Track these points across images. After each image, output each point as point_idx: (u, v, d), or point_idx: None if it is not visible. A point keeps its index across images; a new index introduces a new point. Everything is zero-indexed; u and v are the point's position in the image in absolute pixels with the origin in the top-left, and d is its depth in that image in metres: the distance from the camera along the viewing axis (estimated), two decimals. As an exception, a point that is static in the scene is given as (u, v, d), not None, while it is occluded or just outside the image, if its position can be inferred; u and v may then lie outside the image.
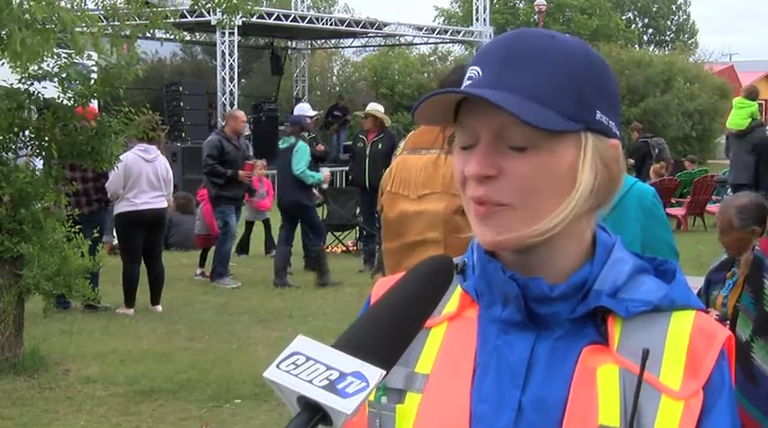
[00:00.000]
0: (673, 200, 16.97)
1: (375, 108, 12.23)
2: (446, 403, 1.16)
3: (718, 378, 1.12)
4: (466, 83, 1.15)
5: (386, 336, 0.99)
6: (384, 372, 0.93)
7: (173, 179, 9.91)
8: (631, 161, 17.48)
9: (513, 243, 1.14)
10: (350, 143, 14.73)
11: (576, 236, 1.17)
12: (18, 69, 6.82)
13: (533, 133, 1.10)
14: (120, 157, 8.24)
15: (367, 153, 11.79)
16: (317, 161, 12.23)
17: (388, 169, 3.31)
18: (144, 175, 9.25)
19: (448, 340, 1.20)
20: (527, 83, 1.11)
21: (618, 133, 1.18)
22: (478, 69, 1.14)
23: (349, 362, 0.93)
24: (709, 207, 16.90)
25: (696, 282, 4.71)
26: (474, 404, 1.15)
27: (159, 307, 9.54)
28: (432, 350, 1.19)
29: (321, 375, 0.91)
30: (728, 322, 4.19)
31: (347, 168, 16.37)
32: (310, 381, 0.91)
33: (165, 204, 9.59)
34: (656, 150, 17.96)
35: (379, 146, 11.56)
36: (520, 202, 1.12)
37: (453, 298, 1.22)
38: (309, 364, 0.93)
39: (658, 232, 2.79)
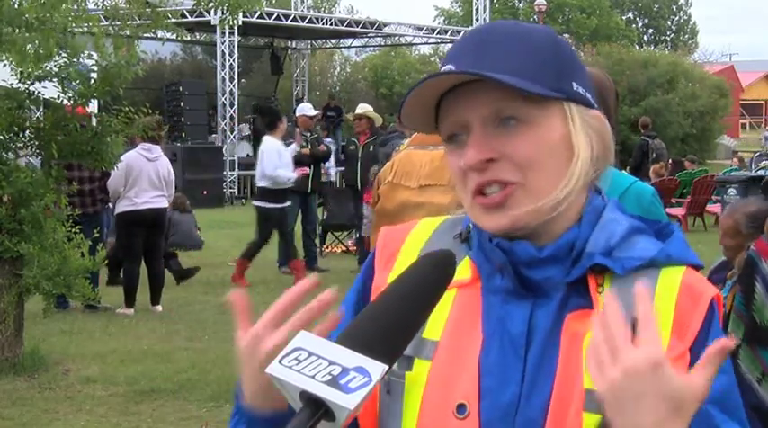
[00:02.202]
0: (673, 200, 16.96)
1: (366, 109, 12.18)
2: (455, 374, 1.15)
3: (705, 338, 1.11)
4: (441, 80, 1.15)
5: (388, 331, 0.98)
6: (387, 367, 0.93)
7: (174, 179, 9.92)
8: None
9: (525, 223, 1.13)
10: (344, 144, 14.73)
11: (573, 208, 1.17)
12: (21, 70, 6.81)
13: (520, 108, 1.12)
14: (123, 156, 8.25)
15: (359, 155, 11.78)
16: (318, 161, 12.23)
17: (389, 162, 3.32)
18: (145, 174, 9.24)
19: (457, 308, 1.19)
20: (505, 62, 1.12)
21: (596, 105, 1.19)
22: (450, 65, 1.15)
23: (351, 357, 0.92)
24: (709, 207, 16.90)
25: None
26: (482, 376, 1.14)
27: (159, 307, 9.54)
28: (441, 316, 1.18)
29: (324, 370, 0.91)
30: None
31: (344, 169, 16.38)
32: (313, 377, 0.91)
33: (165, 204, 9.59)
34: (654, 154, 17.94)
35: (371, 148, 11.51)
36: (525, 178, 1.12)
37: (463, 266, 1.20)
38: (312, 360, 0.92)
39: None
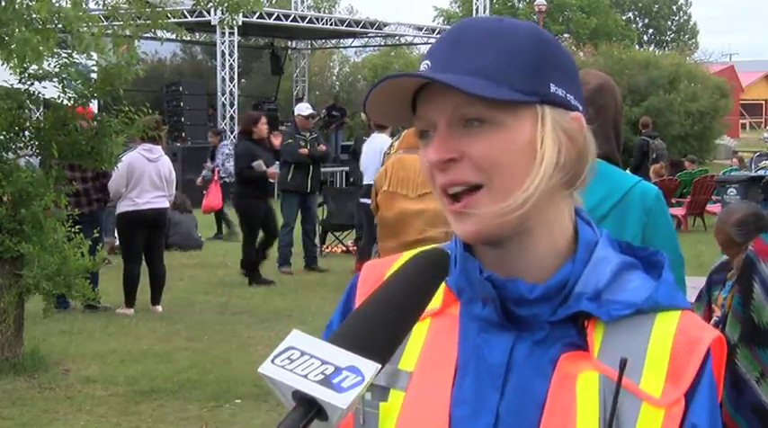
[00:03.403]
0: (673, 200, 16.97)
1: None
2: (427, 403, 1.14)
3: (700, 385, 1.10)
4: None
5: (381, 330, 0.97)
6: (379, 366, 0.92)
7: (175, 180, 9.94)
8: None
9: (492, 229, 1.11)
10: (349, 143, 14.64)
11: (550, 223, 1.15)
12: (18, 69, 6.82)
13: (486, 110, 1.09)
14: (124, 156, 8.27)
15: None
16: (317, 161, 12.21)
17: (382, 169, 3.30)
18: (146, 175, 9.27)
19: (431, 337, 1.18)
20: (475, 62, 1.10)
21: (579, 106, 1.16)
22: (428, 62, 1.14)
23: (344, 357, 0.92)
24: (710, 207, 16.91)
25: (696, 282, 4.70)
26: (453, 405, 1.13)
27: (159, 308, 9.55)
28: (415, 346, 1.17)
29: (316, 370, 0.90)
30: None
31: (347, 168, 16.35)
32: (305, 376, 0.90)
33: (166, 204, 9.61)
34: (654, 154, 17.97)
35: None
36: (488, 180, 1.10)
37: (437, 293, 1.17)
38: (304, 359, 0.92)
39: (661, 233, 2.76)
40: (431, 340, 1.18)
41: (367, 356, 0.92)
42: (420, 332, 1.18)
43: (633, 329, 1.12)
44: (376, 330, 0.97)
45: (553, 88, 1.12)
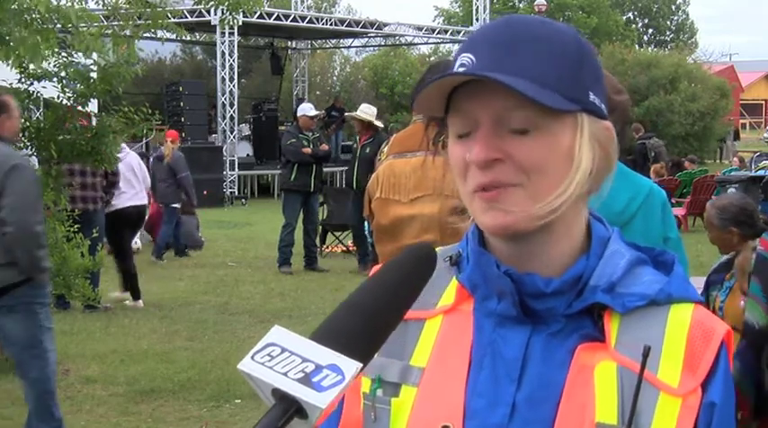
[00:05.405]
0: (673, 200, 16.97)
1: (364, 110, 12.11)
2: (441, 397, 1.15)
3: (716, 374, 1.11)
4: (458, 70, 1.12)
5: (364, 328, 0.96)
6: (360, 365, 0.91)
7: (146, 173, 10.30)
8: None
9: (522, 224, 1.11)
10: (350, 143, 14.62)
11: (570, 224, 1.16)
12: (19, 69, 6.82)
13: (535, 115, 1.09)
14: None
15: (357, 155, 11.78)
16: (320, 160, 12.23)
17: (374, 175, 3.30)
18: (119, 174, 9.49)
19: (444, 333, 1.18)
20: (526, 66, 1.09)
21: (607, 115, 1.17)
22: (471, 56, 1.12)
23: (325, 355, 0.90)
24: (710, 207, 16.88)
25: (696, 282, 4.71)
26: (468, 398, 1.14)
27: (140, 302, 9.73)
28: (427, 343, 1.18)
29: (296, 367, 0.89)
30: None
31: (346, 168, 16.37)
32: (285, 374, 0.88)
33: (144, 201, 9.86)
34: (653, 154, 17.95)
35: (367, 149, 11.39)
36: (528, 181, 1.10)
37: (449, 291, 1.20)
38: (285, 356, 0.90)
39: (672, 232, 2.84)
40: (444, 336, 1.18)
41: (349, 354, 0.91)
42: (432, 329, 1.19)
43: (649, 320, 1.13)
44: (359, 328, 0.96)
45: (591, 97, 1.13)
